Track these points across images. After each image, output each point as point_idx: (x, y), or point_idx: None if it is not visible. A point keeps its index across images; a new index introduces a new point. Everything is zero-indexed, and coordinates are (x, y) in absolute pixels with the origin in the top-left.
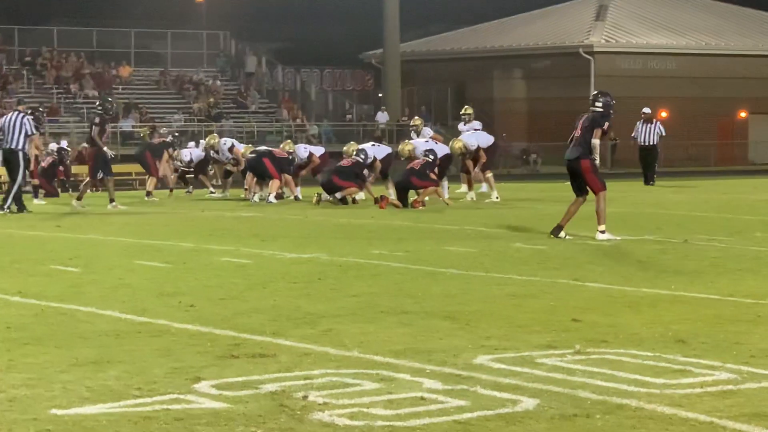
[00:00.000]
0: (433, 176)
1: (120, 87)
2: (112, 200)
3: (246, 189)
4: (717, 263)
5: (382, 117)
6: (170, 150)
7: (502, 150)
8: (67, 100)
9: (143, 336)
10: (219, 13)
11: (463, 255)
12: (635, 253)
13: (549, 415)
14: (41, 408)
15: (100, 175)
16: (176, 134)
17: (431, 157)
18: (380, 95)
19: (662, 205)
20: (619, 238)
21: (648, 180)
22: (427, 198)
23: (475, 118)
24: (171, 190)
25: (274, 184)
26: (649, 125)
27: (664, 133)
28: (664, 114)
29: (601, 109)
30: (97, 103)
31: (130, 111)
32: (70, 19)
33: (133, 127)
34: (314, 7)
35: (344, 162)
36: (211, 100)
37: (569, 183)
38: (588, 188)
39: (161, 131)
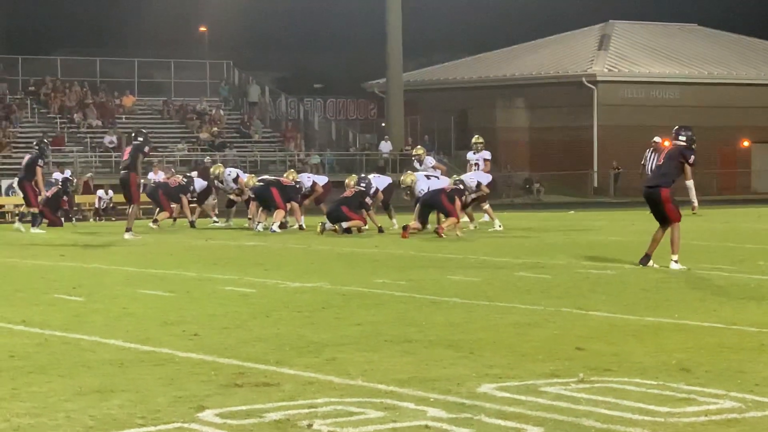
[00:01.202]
0: (459, 204)
1: (123, 116)
2: (128, 229)
3: (250, 218)
4: (720, 292)
5: (385, 146)
6: (188, 196)
7: (506, 179)
8: (71, 130)
9: (147, 365)
10: (222, 42)
11: (467, 284)
12: (638, 282)
13: None
14: None
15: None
16: (188, 175)
17: (461, 186)
18: (383, 124)
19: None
20: (686, 268)
21: None
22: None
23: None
24: (174, 220)
25: (278, 214)
26: (657, 154)
27: None
28: (667, 143)
29: (685, 143)
30: (134, 134)
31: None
32: (74, 49)
33: None
34: (317, 37)
35: (347, 193)
36: (215, 129)
37: (649, 212)
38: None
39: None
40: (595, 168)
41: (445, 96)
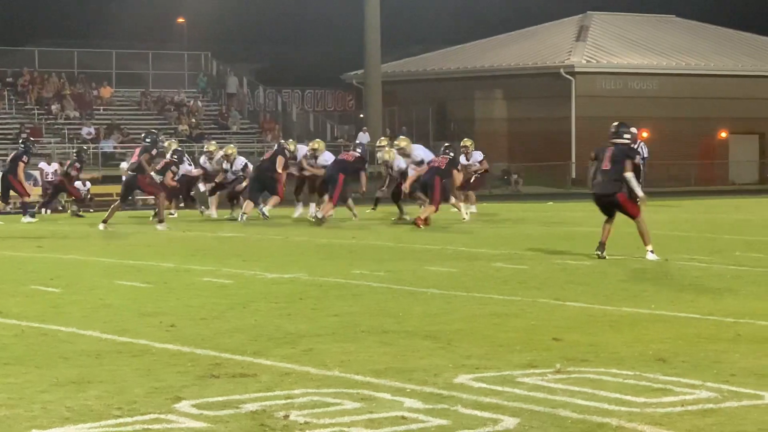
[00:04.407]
0: (457, 175)
1: (101, 108)
2: (161, 220)
3: (245, 213)
4: (698, 282)
5: (363, 137)
6: (174, 168)
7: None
8: (48, 121)
9: (124, 356)
10: (200, 33)
11: (444, 275)
12: (616, 273)
13: None
14: (21, 428)
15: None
16: (179, 150)
17: (452, 154)
18: (361, 116)
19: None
20: (663, 258)
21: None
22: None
23: (455, 138)
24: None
25: (274, 200)
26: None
27: (646, 155)
28: (645, 134)
29: (629, 141)
30: (143, 135)
31: (111, 132)
32: (51, 40)
33: (114, 147)
34: (295, 28)
35: (347, 157)
36: (192, 120)
37: (600, 212)
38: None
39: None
40: (573, 159)
41: (423, 87)
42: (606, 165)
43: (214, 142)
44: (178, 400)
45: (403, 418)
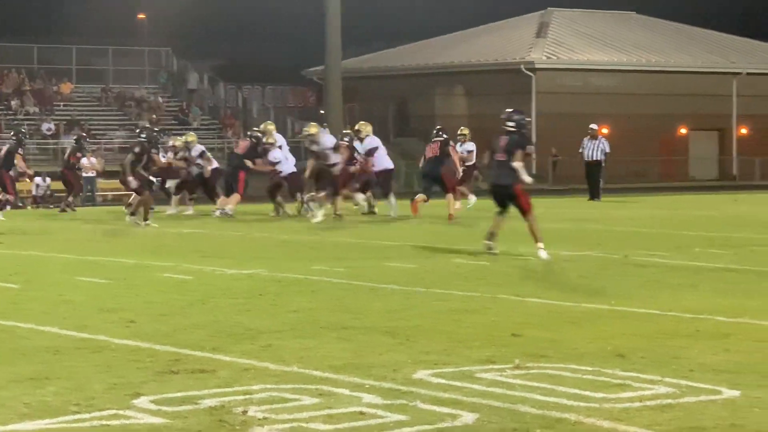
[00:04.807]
0: (455, 154)
1: (61, 104)
2: (132, 213)
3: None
4: (657, 278)
5: (324, 133)
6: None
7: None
8: (8, 117)
9: (83, 352)
10: (161, 30)
11: (404, 271)
12: (576, 269)
13: (489, 429)
14: None
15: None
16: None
17: (444, 135)
18: (322, 112)
19: (604, 221)
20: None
21: (593, 196)
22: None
23: (416, 134)
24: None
25: (234, 198)
26: (594, 141)
27: (608, 150)
28: (605, 130)
29: (514, 128)
30: (138, 131)
31: (71, 128)
32: (11, 36)
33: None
34: (256, 24)
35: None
36: (153, 116)
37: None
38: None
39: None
40: (534, 155)
41: (384, 83)
42: (501, 155)
43: (179, 138)
44: (136, 396)
45: (361, 413)
